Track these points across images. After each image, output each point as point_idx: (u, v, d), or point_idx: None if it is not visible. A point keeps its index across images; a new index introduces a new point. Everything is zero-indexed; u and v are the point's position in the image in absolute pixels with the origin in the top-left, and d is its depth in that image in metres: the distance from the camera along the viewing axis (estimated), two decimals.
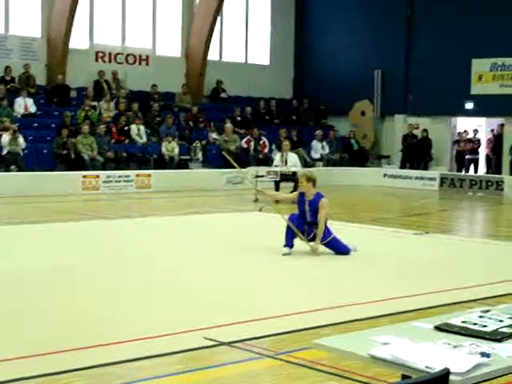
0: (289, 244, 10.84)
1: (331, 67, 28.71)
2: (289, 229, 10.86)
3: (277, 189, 18.72)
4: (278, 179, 18.94)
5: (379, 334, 3.99)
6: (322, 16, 29.29)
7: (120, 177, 20.62)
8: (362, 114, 28.34)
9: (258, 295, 8.44)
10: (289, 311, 7.52)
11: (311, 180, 10.99)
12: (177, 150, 22.85)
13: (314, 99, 28.56)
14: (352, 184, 24.12)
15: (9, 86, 22.92)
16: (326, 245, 10.92)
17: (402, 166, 26.20)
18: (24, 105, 22.34)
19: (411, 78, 27.18)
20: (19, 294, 8.13)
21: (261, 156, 24.11)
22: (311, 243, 10.90)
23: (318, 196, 10.97)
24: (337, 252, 10.91)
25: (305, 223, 10.92)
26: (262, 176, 18.62)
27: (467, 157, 26.22)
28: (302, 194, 11.06)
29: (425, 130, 26.08)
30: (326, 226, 10.91)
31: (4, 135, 20.05)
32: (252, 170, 19.06)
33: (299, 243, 10.91)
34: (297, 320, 7.22)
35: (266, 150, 24.49)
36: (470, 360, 3.54)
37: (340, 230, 11.37)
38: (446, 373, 3.30)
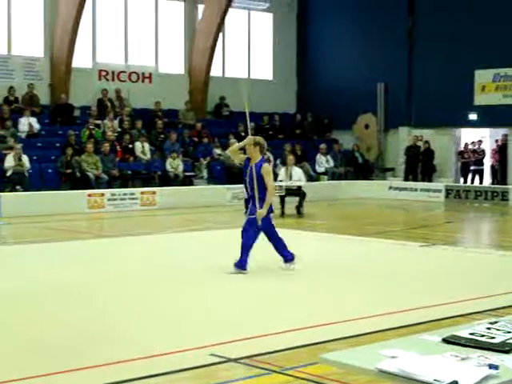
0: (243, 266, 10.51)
1: (334, 81, 28.77)
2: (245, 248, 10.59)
3: (282, 203, 18.70)
4: (283, 194, 18.88)
5: (387, 347, 3.96)
6: (324, 30, 29.39)
7: (125, 194, 20.63)
8: (366, 127, 28.36)
9: (264, 311, 8.39)
10: (295, 326, 7.48)
11: (258, 144, 10.51)
12: (181, 167, 22.89)
13: (318, 113, 28.61)
14: (357, 197, 24.10)
15: (13, 107, 22.99)
16: (262, 221, 10.44)
17: (406, 178, 26.21)
18: (28, 124, 22.37)
19: (414, 90, 27.22)
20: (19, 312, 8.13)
21: None
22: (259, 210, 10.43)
23: (261, 161, 10.49)
24: (269, 238, 10.69)
25: (249, 200, 10.58)
26: None
27: (472, 168, 26.21)
28: (248, 160, 10.59)
29: (426, 142, 26.10)
30: (270, 207, 10.55)
31: (8, 156, 20.07)
32: None
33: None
34: (303, 335, 7.18)
35: (271, 165, 24.47)
36: (478, 372, 3.51)
37: (347, 243, 11.33)
38: None
